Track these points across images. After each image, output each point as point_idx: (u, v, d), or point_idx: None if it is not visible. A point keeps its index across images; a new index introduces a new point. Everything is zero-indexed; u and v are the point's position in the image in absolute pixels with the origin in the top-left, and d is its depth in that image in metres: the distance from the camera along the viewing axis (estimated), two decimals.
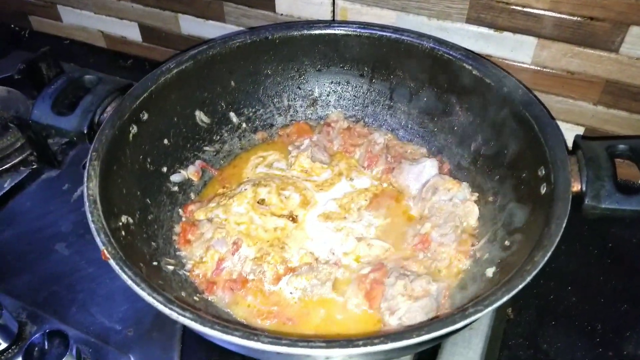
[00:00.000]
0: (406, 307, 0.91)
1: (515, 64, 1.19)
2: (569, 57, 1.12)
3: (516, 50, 1.17)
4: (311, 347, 0.67)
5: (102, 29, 1.63)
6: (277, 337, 0.68)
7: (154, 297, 0.74)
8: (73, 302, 1.02)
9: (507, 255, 0.93)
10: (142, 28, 1.56)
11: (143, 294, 0.74)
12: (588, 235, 1.16)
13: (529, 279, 0.75)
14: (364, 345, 0.67)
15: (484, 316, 0.74)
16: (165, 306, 0.73)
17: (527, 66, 1.18)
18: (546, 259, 0.78)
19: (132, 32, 1.58)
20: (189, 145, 1.16)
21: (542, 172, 0.91)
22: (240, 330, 0.70)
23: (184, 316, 0.72)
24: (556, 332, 1.01)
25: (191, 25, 1.47)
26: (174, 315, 0.72)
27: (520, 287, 0.75)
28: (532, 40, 1.13)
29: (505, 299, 0.74)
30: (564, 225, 0.81)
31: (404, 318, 0.90)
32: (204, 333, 0.72)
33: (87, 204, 0.83)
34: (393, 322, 0.91)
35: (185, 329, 0.96)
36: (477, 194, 1.09)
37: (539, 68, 1.17)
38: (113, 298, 1.03)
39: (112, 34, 1.62)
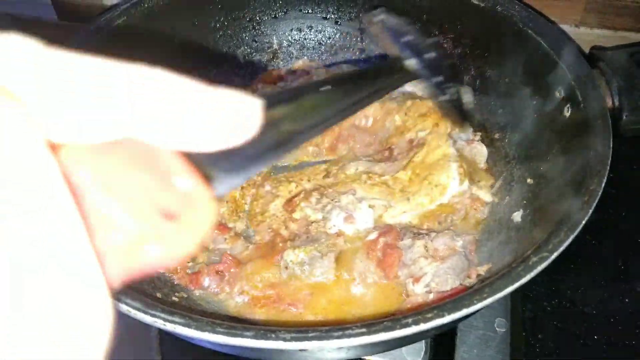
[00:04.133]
0: (432, 270, 0.76)
1: None
2: None
3: None
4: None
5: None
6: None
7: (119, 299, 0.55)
8: None
9: (533, 195, 0.81)
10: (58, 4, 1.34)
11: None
12: None
13: (586, 218, 0.62)
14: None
15: None
16: (146, 313, 0.54)
17: None
18: (602, 186, 0.65)
19: (46, 11, 1.33)
20: None
21: (560, 93, 0.80)
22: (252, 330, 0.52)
23: (174, 322, 0.53)
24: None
25: None
26: (158, 322, 0.53)
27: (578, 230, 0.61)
28: None
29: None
30: (611, 144, 0.69)
31: (432, 284, 0.75)
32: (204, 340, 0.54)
33: None
34: (419, 290, 0.76)
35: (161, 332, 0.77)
36: (479, 133, 0.97)
37: None
38: None
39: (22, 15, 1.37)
